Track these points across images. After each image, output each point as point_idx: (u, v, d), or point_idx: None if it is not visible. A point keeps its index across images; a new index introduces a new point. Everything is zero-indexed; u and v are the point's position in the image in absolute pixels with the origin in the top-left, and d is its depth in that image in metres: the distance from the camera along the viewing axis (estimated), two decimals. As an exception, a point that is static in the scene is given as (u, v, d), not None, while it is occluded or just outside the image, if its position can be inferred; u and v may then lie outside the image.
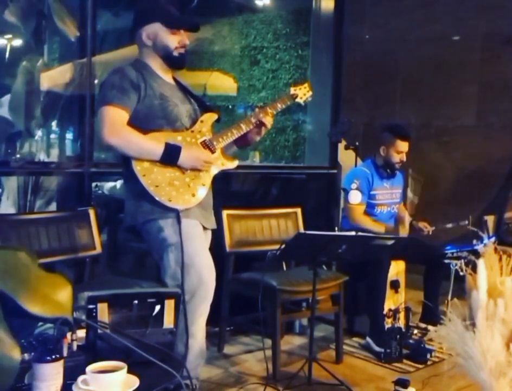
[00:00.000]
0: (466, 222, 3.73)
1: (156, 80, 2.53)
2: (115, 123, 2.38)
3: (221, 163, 2.58)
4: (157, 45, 2.53)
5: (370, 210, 3.85)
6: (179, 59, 2.57)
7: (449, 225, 3.86)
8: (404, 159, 3.84)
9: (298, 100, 2.79)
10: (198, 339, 2.49)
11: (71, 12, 3.24)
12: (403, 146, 3.81)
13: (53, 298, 0.95)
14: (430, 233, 3.87)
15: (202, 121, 2.60)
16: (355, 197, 3.74)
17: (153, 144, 2.41)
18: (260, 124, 2.67)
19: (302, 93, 2.80)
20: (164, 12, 2.55)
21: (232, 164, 2.63)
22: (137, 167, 2.39)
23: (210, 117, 2.63)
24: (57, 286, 0.98)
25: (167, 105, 2.50)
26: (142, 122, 2.44)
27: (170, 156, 2.41)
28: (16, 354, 0.90)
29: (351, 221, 3.77)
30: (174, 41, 2.53)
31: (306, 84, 2.83)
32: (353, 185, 3.77)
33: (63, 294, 0.97)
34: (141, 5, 2.63)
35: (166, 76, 2.60)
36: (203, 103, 2.71)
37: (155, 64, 2.56)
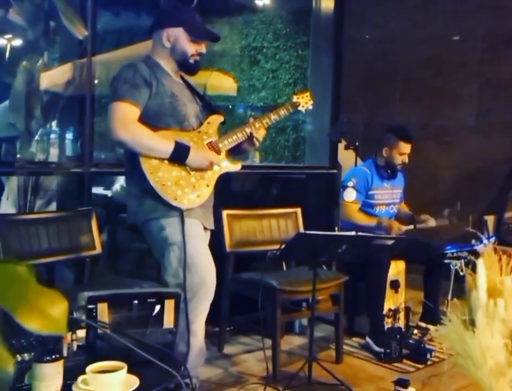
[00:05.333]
0: (458, 207, 3.74)
1: (167, 78, 2.56)
2: (125, 118, 2.39)
3: (225, 166, 2.61)
4: (175, 49, 2.55)
5: (368, 209, 3.86)
6: (193, 66, 2.60)
7: (445, 212, 3.85)
8: (407, 160, 3.86)
9: (300, 108, 2.84)
10: (199, 337, 2.50)
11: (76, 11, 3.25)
12: (406, 148, 3.82)
13: (49, 314, 0.95)
14: (434, 224, 3.86)
15: (208, 123, 2.63)
16: (349, 195, 3.78)
17: (163, 142, 2.43)
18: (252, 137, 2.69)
19: (304, 102, 2.85)
20: (190, 19, 2.57)
21: (235, 167, 2.66)
22: (145, 164, 2.40)
23: (217, 119, 2.65)
24: (54, 302, 0.98)
25: (177, 104, 2.52)
26: (151, 119, 2.46)
27: (179, 155, 2.43)
28: (9, 367, 0.89)
29: (344, 217, 3.81)
30: (193, 48, 2.55)
31: (308, 93, 2.87)
32: (350, 183, 3.81)
33: (59, 310, 0.97)
34: (167, 6, 2.65)
35: (176, 75, 2.63)
36: (209, 104, 2.74)
37: (167, 64, 2.58)
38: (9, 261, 1.03)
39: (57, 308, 0.96)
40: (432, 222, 3.87)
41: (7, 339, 0.96)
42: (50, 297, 0.97)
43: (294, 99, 2.84)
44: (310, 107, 2.87)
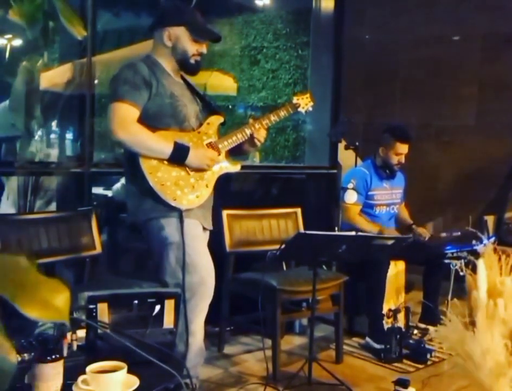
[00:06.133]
0: (459, 233, 3.76)
1: (167, 78, 2.56)
2: (125, 119, 2.40)
3: (225, 166, 2.62)
4: (176, 48, 2.54)
5: (368, 210, 3.85)
6: (194, 66, 2.60)
7: (444, 234, 3.87)
8: (403, 161, 3.84)
9: (300, 109, 2.85)
10: (198, 337, 2.50)
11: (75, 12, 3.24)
12: (402, 148, 3.80)
13: (51, 303, 0.95)
14: (426, 239, 3.86)
15: (208, 123, 2.63)
16: (350, 196, 3.75)
17: (162, 143, 2.44)
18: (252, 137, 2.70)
19: (304, 103, 2.85)
20: (192, 18, 2.56)
21: (235, 168, 2.66)
22: (144, 164, 2.41)
23: (217, 119, 2.66)
24: (56, 291, 0.98)
25: (177, 105, 2.52)
26: (150, 120, 2.46)
27: (179, 156, 2.44)
28: (12, 357, 0.89)
29: (346, 220, 3.79)
30: (193, 48, 2.55)
31: (308, 94, 2.87)
32: (350, 185, 3.78)
33: (61, 298, 0.97)
34: (169, 5, 2.64)
35: (176, 75, 2.63)
36: (209, 104, 2.74)
37: (167, 64, 2.58)
38: (10, 251, 1.03)
39: (59, 297, 0.95)
40: (425, 237, 3.87)
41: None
42: (51, 286, 0.97)
43: (294, 100, 2.84)
44: (310, 108, 2.87)
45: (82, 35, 2.07)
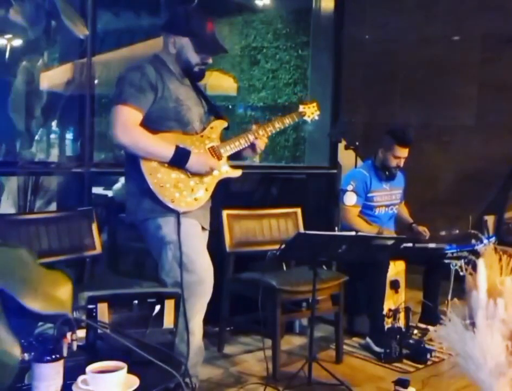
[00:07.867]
0: (457, 231, 3.77)
1: (173, 81, 2.55)
2: (127, 123, 2.40)
3: (225, 171, 2.62)
4: (180, 57, 2.54)
5: (368, 211, 3.84)
6: (197, 73, 2.60)
7: (443, 233, 3.88)
8: (401, 165, 3.82)
9: (305, 118, 2.87)
10: (196, 336, 2.51)
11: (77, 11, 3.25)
12: (401, 152, 3.78)
13: (53, 295, 0.95)
14: (427, 237, 3.87)
15: (212, 128, 2.63)
16: (350, 198, 3.74)
17: (163, 147, 2.44)
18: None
19: (310, 112, 2.87)
20: (199, 31, 2.52)
21: (236, 173, 2.66)
22: (144, 166, 2.41)
23: (220, 124, 2.66)
24: (58, 283, 0.98)
25: (181, 109, 2.52)
26: (154, 122, 2.46)
27: (179, 160, 2.44)
28: (15, 351, 0.89)
29: (345, 221, 3.78)
30: (198, 58, 2.55)
31: (314, 104, 2.89)
32: (349, 187, 3.76)
33: (63, 290, 0.97)
34: (179, 13, 2.62)
35: (182, 77, 2.61)
36: (214, 108, 2.73)
37: (174, 67, 2.57)
38: (9, 244, 1.03)
39: (62, 289, 0.96)
40: (426, 236, 3.87)
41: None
42: (53, 278, 0.97)
43: (300, 108, 2.86)
44: (316, 117, 2.89)
45: (84, 34, 2.08)
